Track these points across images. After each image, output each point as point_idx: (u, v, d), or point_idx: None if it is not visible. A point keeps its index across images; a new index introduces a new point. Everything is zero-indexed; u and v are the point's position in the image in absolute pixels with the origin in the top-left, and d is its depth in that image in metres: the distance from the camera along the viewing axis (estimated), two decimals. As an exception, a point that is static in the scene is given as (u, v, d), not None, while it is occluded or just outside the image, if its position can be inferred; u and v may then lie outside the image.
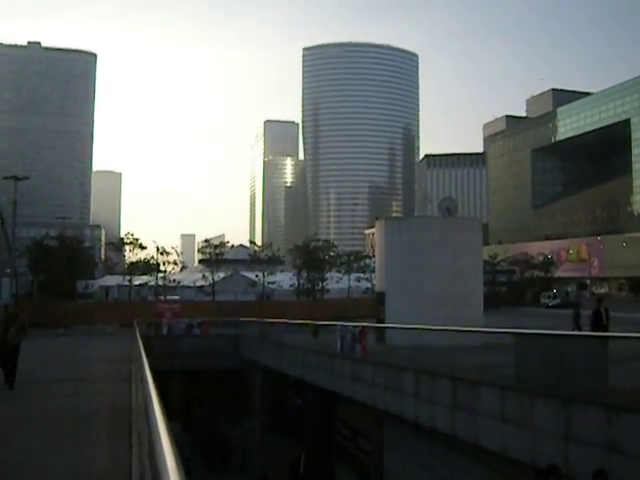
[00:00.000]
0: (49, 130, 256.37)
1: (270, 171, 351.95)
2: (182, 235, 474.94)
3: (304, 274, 72.64)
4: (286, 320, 36.13)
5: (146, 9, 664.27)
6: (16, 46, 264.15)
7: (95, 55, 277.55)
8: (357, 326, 24.97)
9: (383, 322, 30.14)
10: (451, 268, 29.55)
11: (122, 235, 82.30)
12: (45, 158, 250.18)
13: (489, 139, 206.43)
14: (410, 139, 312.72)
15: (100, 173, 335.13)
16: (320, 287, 72.20)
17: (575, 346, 13.48)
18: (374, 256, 45.10)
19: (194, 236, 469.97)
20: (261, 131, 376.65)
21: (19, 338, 16.92)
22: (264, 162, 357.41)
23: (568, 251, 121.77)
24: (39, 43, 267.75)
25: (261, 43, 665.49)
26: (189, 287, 71.91)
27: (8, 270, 67.59)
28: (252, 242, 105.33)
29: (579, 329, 25.57)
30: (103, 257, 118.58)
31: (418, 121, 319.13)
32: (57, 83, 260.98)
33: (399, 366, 18.89)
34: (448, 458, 16.35)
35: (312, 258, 73.16)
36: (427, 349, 18.57)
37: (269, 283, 70.59)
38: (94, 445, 9.80)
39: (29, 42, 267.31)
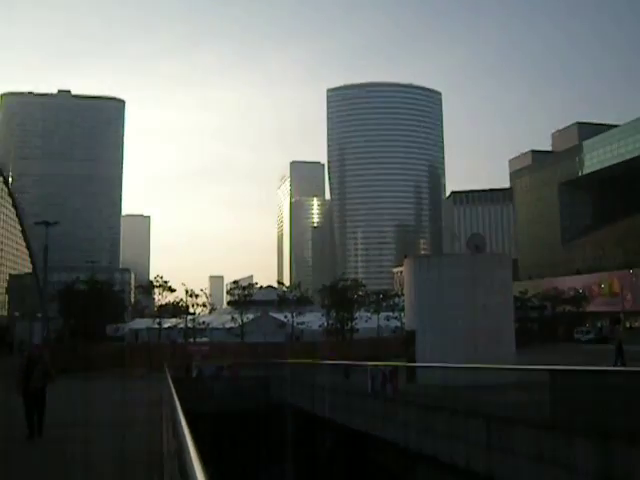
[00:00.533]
0: (79, 176, 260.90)
1: (297, 212, 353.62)
2: (211, 277, 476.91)
3: (333, 314, 72.30)
4: (316, 361, 35.90)
5: (171, 55, 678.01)
6: (47, 95, 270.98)
7: (123, 101, 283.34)
8: (387, 365, 24.73)
9: (414, 361, 29.81)
10: (481, 305, 29.25)
11: (151, 278, 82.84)
12: (75, 203, 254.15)
13: (515, 174, 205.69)
14: (436, 177, 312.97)
15: (129, 217, 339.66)
16: (349, 327, 71.76)
17: (615, 382, 13.18)
18: (403, 295, 44.83)
19: (222, 278, 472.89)
20: (287, 172, 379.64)
21: (43, 382, 15.74)
22: (291, 203, 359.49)
23: (600, 285, 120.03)
24: (69, 91, 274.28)
25: (285, 85, 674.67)
26: (218, 329, 71.92)
27: (39, 314, 68.32)
28: (280, 283, 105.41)
29: (623, 364, 25.02)
30: (133, 300, 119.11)
31: (443, 158, 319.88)
32: (86, 130, 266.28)
33: (431, 406, 18.62)
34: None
35: (341, 298, 72.85)
36: (459, 388, 18.29)
37: (298, 324, 70.33)
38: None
39: (59, 90, 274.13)
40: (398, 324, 67.24)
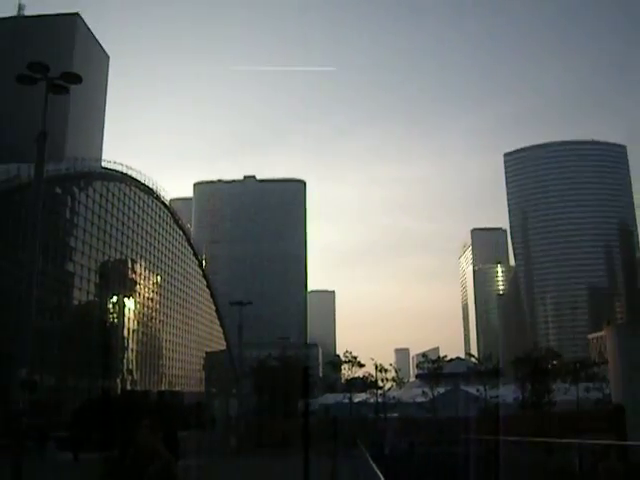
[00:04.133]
0: (265, 256, 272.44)
1: (481, 280, 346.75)
2: (396, 349, 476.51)
3: (528, 386, 69.09)
4: (514, 437, 34.19)
5: (345, 134, 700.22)
6: (234, 181, 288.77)
7: (304, 182, 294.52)
8: (597, 443, 22.98)
9: (624, 437, 27.62)
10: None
11: (337, 352, 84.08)
12: (263, 282, 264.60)
13: None
14: (627, 234, 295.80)
15: (315, 293, 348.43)
16: (546, 400, 68.12)
17: None
18: (602, 363, 42.01)
19: (408, 350, 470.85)
20: (469, 240, 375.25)
21: None
22: (474, 271, 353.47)
23: None
24: (254, 176, 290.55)
25: (460, 153, 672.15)
26: (408, 403, 71.01)
27: (234, 391, 70.87)
28: (469, 354, 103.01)
29: None
30: (321, 375, 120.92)
31: (634, 215, 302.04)
32: (271, 211, 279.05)
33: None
34: None
35: (535, 369, 69.63)
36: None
37: (491, 397, 67.82)
38: None
39: (245, 176, 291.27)
40: (600, 396, 63.15)
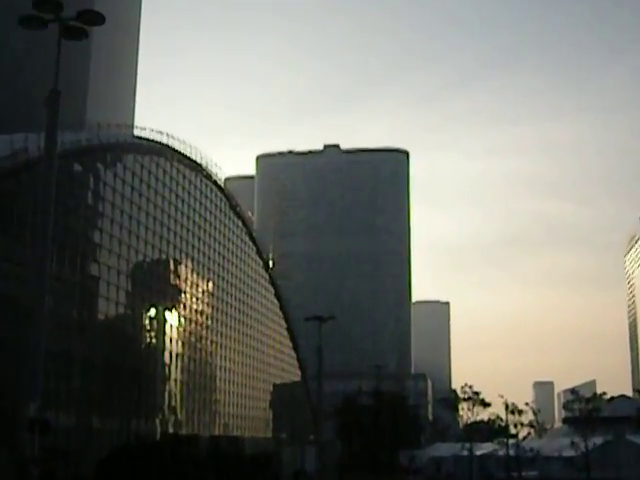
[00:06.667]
0: (354, 254, 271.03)
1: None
2: (535, 383, 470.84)
3: None
4: None
5: (454, 89, 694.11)
6: (310, 152, 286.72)
7: (407, 152, 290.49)
8: None
9: None
10: None
11: (453, 385, 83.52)
12: (351, 290, 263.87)
13: None
14: None
15: (421, 304, 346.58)
16: None
17: None
18: None
19: (552, 384, 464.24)
20: (638, 232, 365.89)
21: None
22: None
23: None
24: (337, 146, 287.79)
25: (623, 108, 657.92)
26: (552, 458, 69.97)
27: (312, 437, 71.35)
28: (639, 391, 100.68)
29: None
30: (431, 416, 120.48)
31: None
32: (361, 193, 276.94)
33: None
34: None
35: None
36: None
37: (669, 451, 66.26)
38: None
39: (325, 146, 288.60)
40: None
